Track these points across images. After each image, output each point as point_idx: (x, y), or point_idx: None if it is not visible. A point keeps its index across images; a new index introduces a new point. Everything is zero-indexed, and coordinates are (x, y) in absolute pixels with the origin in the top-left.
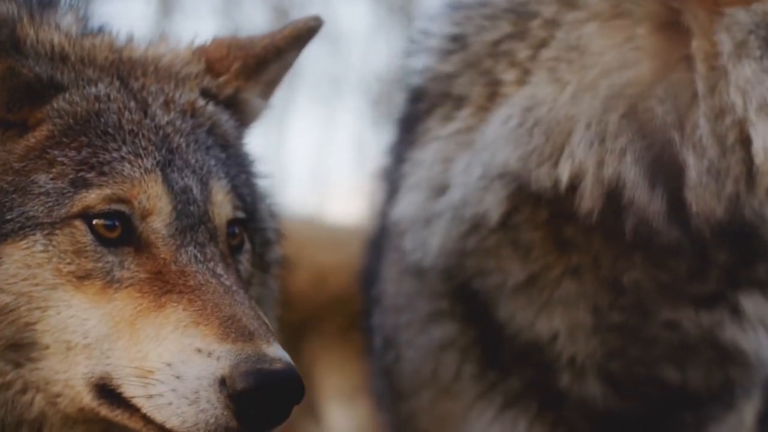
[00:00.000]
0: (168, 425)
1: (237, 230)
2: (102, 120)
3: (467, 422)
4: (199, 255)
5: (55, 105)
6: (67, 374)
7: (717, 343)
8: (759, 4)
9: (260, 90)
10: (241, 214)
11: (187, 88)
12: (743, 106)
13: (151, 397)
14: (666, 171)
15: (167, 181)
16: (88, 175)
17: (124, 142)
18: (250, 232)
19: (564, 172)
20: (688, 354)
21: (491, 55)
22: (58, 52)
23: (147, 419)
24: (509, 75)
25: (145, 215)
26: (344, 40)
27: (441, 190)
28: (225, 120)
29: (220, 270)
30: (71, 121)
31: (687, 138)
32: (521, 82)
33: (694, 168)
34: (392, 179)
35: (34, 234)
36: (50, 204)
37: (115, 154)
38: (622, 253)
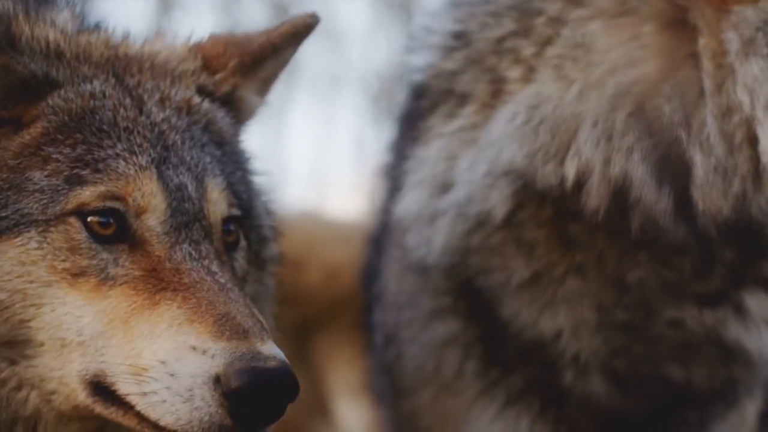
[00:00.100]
0: (162, 423)
1: (232, 227)
2: (97, 117)
3: (469, 420)
4: (193, 252)
5: (50, 102)
6: (61, 371)
7: (720, 342)
8: (767, 2)
9: (257, 87)
10: (236, 212)
11: (183, 85)
12: (750, 105)
13: (145, 394)
14: (673, 169)
15: (162, 179)
16: (83, 173)
17: (119, 139)
18: (245, 230)
19: (570, 170)
20: (692, 352)
21: (495, 52)
22: (54, 48)
23: (141, 417)
24: (514, 72)
25: (140, 212)
26: (344, 37)
27: (445, 187)
28: (221, 117)
29: (214, 267)
30: (66, 118)
31: (694, 136)
32: (526, 79)
33: (701, 166)
34: (394, 176)
35: (28, 231)
36: (45, 201)
37: (110, 151)
38: (627, 251)
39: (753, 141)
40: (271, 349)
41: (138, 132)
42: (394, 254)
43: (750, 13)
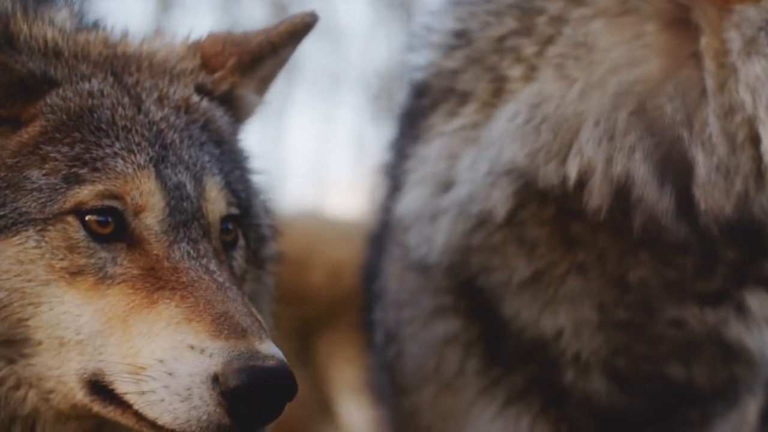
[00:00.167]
0: (160, 422)
1: (231, 226)
2: (95, 116)
3: (470, 418)
4: (192, 251)
5: (48, 101)
6: (59, 370)
7: (722, 341)
8: None
9: (255, 86)
10: (235, 211)
11: (181, 83)
12: (753, 104)
13: (143, 393)
14: (675, 168)
15: (160, 177)
16: (81, 171)
17: (117, 138)
18: (244, 228)
19: (572, 169)
20: (693, 351)
21: (496, 51)
22: (52, 47)
23: (139, 416)
24: (515, 71)
25: (138, 211)
26: (343, 36)
27: (446, 186)
28: (219, 116)
29: (213, 266)
30: (64, 116)
31: (696, 135)
32: (528, 78)
33: (703, 165)
34: (395, 174)
35: (26, 230)
36: (43, 200)
37: (108, 150)
38: (628, 250)
39: (755, 140)
40: (270, 348)
41: (136, 131)
42: (395, 253)
43: (752, 13)
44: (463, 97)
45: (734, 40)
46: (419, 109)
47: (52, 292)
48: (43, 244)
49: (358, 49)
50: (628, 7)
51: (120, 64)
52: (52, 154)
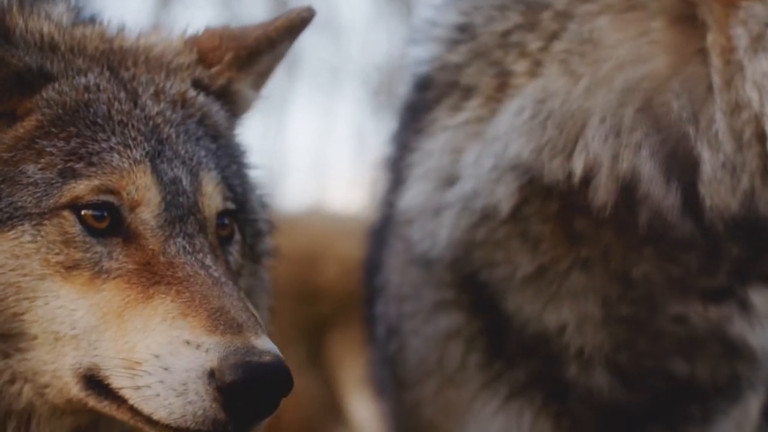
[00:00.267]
0: (155, 417)
1: (227, 221)
2: (91, 110)
3: (472, 412)
4: (187, 246)
5: (44, 95)
6: (55, 365)
7: (725, 338)
8: None
9: (252, 81)
10: (231, 206)
11: (178, 78)
12: (759, 101)
13: (138, 388)
14: (681, 165)
15: (156, 172)
16: (77, 166)
17: (113, 133)
18: (240, 223)
19: (578, 166)
20: (696, 348)
21: (501, 45)
22: (48, 41)
23: (134, 410)
24: (520, 66)
25: (134, 206)
26: (344, 30)
27: (450, 180)
28: (216, 111)
29: (208, 261)
30: (60, 111)
31: (702, 132)
32: (533, 73)
33: (708, 162)
34: (397, 168)
35: (22, 224)
36: (38, 194)
37: (104, 145)
38: (632, 246)
39: (762, 137)
40: (265, 344)
41: (132, 125)
42: (397, 247)
43: (759, 9)
44: (467, 92)
45: (741, 36)
46: (422, 102)
47: (48, 286)
48: (38, 238)
49: (358, 44)
50: (633, 3)
51: (116, 58)
52: (48, 149)
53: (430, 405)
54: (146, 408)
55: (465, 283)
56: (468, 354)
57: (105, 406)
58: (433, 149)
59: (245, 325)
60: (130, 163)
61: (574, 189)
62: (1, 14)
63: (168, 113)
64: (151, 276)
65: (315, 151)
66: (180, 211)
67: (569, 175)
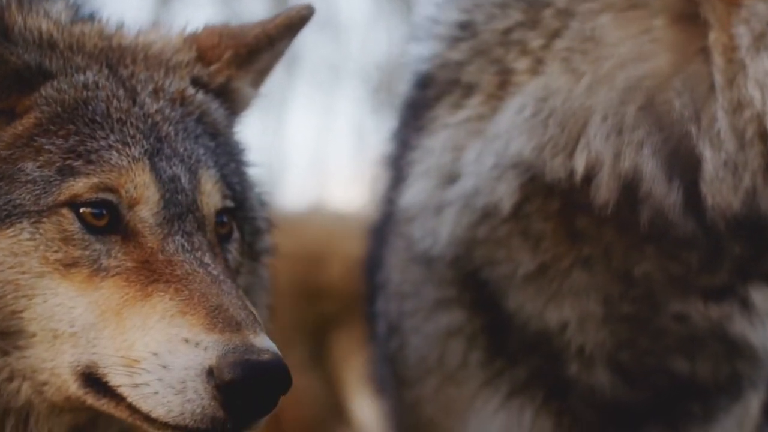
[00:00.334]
0: (154, 414)
1: (226, 219)
2: (90, 108)
3: (473, 410)
4: (186, 244)
5: (43, 92)
6: (53, 362)
7: (725, 337)
8: None
9: (251, 79)
10: (230, 203)
11: (177, 76)
12: (762, 100)
13: (137, 386)
14: (683, 164)
15: (155, 170)
16: (76, 164)
17: (111, 131)
18: (239, 221)
19: (579, 164)
20: (697, 346)
21: (502, 43)
22: (47, 39)
23: (133, 408)
24: (521, 64)
25: (133, 204)
26: (344, 28)
27: (451, 178)
28: (215, 108)
29: (207, 259)
30: (59, 108)
31: (704, 131)
32: (534, 71)
33: (710, 161)
34: (398, 166)
35: (20, 222)
36: (37, 192)
37: (102, 143)
38: (634, 244)
39: (764, 136)
40: (264, 342)
41: (131, 123)
42: (398, 244)
43: (761, 8)
44: (468, 89)
45: (743, 35)
46: (423, 100)
47: (46, 284)
48: (37, 236)
49: (358, 42)
50: (635, 1)
51: (115, 56)
52: (46, 146)
53: (431, 403)
54: (145, 406)
55: (466, 280)
56: (469, 352)
57: (103, 404)
58: (434, 147)
59: (244, 323)
60: (128, 161)
61: (576, 187)
62: (0, 12)
63: (167, 111)
64: (150, 274)
65: (315, 149)
66: (179, 209)
67: (571, 174)
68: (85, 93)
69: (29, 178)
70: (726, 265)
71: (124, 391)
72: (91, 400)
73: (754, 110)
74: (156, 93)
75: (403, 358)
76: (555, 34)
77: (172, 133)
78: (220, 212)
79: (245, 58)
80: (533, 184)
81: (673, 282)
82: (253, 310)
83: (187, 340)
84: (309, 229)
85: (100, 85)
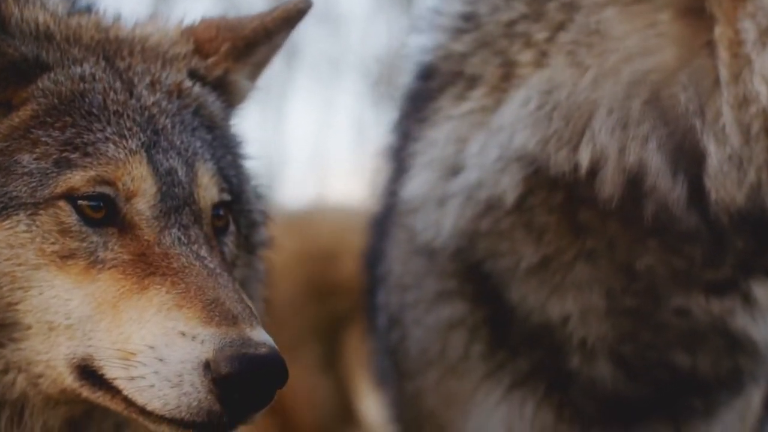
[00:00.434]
0: (149, 407)
1: (222, 212)
2: (87, 100)
3: (474, 402)
4: (183, 237)
5: (39, 84)
6: (48, 355)
7: (727, 331)
8: None
9: (249, 71)
10: (226, 197)
11: (174, 68)
12: None
13: (132, 379)
14: (687, 158)
15: (152, 163)
16: (72, 156)
17: (108, 123)
18: (235, 214)
19: (584, 157)
20: (698, 341)
21: (506, 35)
22: (43, 31)
23: (128, 401)
24: (525, 56)
25: (130, 197)
26: (344, 21)
27: (455, 170)
28: (212, 101)
29: (203, 252)
30: (56, 100)
31: (708, 126)
32: (538, 64)
33: (714, 156)
34: (400, 157)
35: (17, 214)
36: (34, 184)
37: (99, 135)
38: (637, 238)
39: None
40: (261, 335)
41: (128, 116)
42: (400, 236)
43: (767, 2)
44: (472, 81)
45: (748, 30)
46: (426, 91)
47: (43, 276)
48: (33, 228)
49: (358, 35)
50: None
51: (112, 48)
52: (43, 139)
53: (432, 395)
54: (140, 399)
55: (469, 272)
56: (471, 344)
57: (99, 397)
58: (437, 138)
59: (240, 316)
60: (125, 154)
61: (580, 180)
62: None
63: (164, 103)
64: (147, 267)
65: (314, 142)
66: (175, 202)
67: (575, 167)
68: (81, 85)
69: (26, 170)
70: (729, 260)
71: (119, 383)
72: (86, 392)
73: (760, 105)
74: (153, 85)
75: (404, 350)
76: (559, 27)
77: (169, 126)
78: (217, 205)
79: (242, 51)
80: (537, 177)
81: (675, 276)
82: (250, 303)
83: (183, 334)
84: (319, 226)
85: (96, 77)
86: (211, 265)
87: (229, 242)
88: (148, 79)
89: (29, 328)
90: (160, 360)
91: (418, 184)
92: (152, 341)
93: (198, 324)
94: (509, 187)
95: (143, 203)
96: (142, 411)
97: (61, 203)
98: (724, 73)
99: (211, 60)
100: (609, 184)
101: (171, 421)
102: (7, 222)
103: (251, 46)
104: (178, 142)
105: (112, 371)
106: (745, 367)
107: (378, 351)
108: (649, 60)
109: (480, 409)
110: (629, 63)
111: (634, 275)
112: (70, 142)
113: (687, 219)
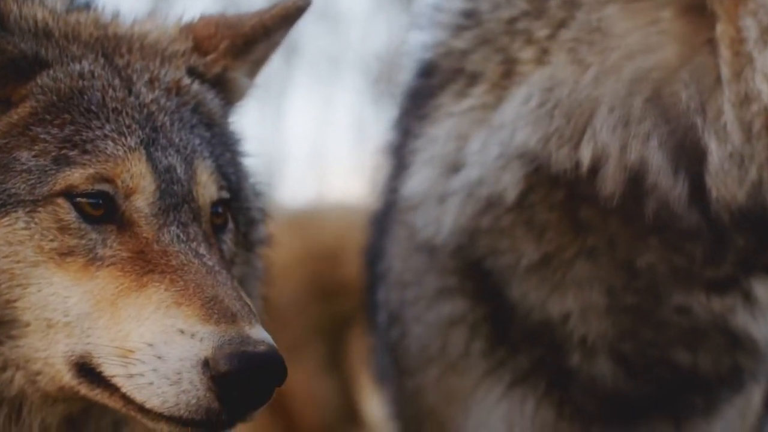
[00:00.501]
0: (148, 405)
1: (221, 210)
2: (85, 97)
3: (474, 399)
4: (181, 235)
5: (38, 81)
6: (47, 352)
7: (727, 329)
8: None
9: (247, 69)
10: (225, 194)
11: (173, 65)
12: None
13: (131, 376)
14: (688, 156)
15: (151, 160)
16: (71, 153)
17: (107, 120)
18: (234, 212)
19: (585, 155)
20: (699, 339)
21: (507, 32)
22: (42, 28)
23: (127, 399)
24: (526, 53)
25: (129, 194)
26: (343, 19)
27: (455, 167)
28: (211, 99)
29: (202, 250)
30: (55, 98)
31: (709, 123)
32: (539, 61)
33: (715, 153)
34: (400, 154)
35: (15, 211)
36: (32, 181)
37: (98, 132)
38: (638, 235)
39: None
40: (260, 333)
41: (127, 113)
42: (400, 233)
43: None
44: (473, 78)
45: (750, 28)
46: (427, 88)
47: (41, 273)
48: (32, 225)
49: (357, 33)
50: None
51: (111, 45)
52: (41, 136)
53: (432, 392)
54: (139, 396)
55: (469, 270)
56: (471, 341)
57: (97, 394)
58: (438, 135)
59: (239, 314)
60: (124, 151)
61: (582, 178)
62: None
63: (162, 101)
64: (145, 264)
65: (314, 140)
66: (174, 199)
67: (577, 165)
68: (80, 82)
69: (24, 167)
70: (729, 258)
71: (118, 381)
72: (84, 390)
73: (762, 103)
74: (152, 83)
75: (405, 347)
76: (561, 24)
77: (168, 123)
78: (216, 203)
79: (241, 49)
80: (538, 175)
81: (676, 274)
82: (249, 301)
83: (182, 331)
84: (322, 225)
85: (95, 74)
86: (210, 263)
87: (228, 240)
88: (146, 77)
89: (27, 325)
90: (159, 357)
91: (418, 181)
92: (151, 339)
93: (197, 322)
94: (510, 184)
95: (142, 200)
96: (141, 409)
97: (60, 200)
98: (725, 71)
99: (210, 57)
100: (610, 182)
101: (170, 418)
102: (5, 219)
103: (250, 44)
104: (176, 140)
105: (110, 369)
106: (746, 365)
107: (378, 348)
108: (650, 58)
109: (480, 406)
110: (631, 60)
111: (635, 273)
112: (68, 140)
113: (688, 217)
